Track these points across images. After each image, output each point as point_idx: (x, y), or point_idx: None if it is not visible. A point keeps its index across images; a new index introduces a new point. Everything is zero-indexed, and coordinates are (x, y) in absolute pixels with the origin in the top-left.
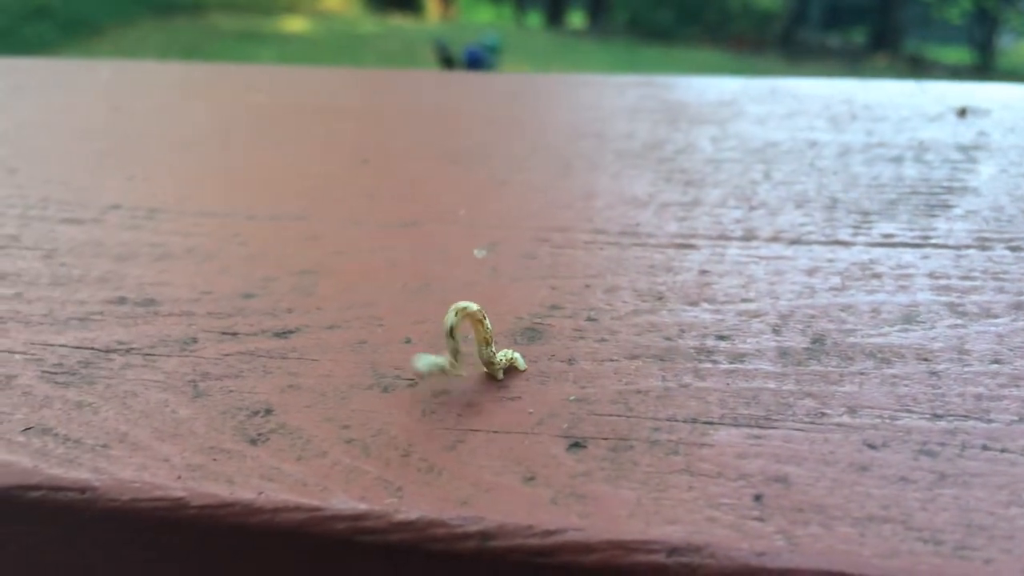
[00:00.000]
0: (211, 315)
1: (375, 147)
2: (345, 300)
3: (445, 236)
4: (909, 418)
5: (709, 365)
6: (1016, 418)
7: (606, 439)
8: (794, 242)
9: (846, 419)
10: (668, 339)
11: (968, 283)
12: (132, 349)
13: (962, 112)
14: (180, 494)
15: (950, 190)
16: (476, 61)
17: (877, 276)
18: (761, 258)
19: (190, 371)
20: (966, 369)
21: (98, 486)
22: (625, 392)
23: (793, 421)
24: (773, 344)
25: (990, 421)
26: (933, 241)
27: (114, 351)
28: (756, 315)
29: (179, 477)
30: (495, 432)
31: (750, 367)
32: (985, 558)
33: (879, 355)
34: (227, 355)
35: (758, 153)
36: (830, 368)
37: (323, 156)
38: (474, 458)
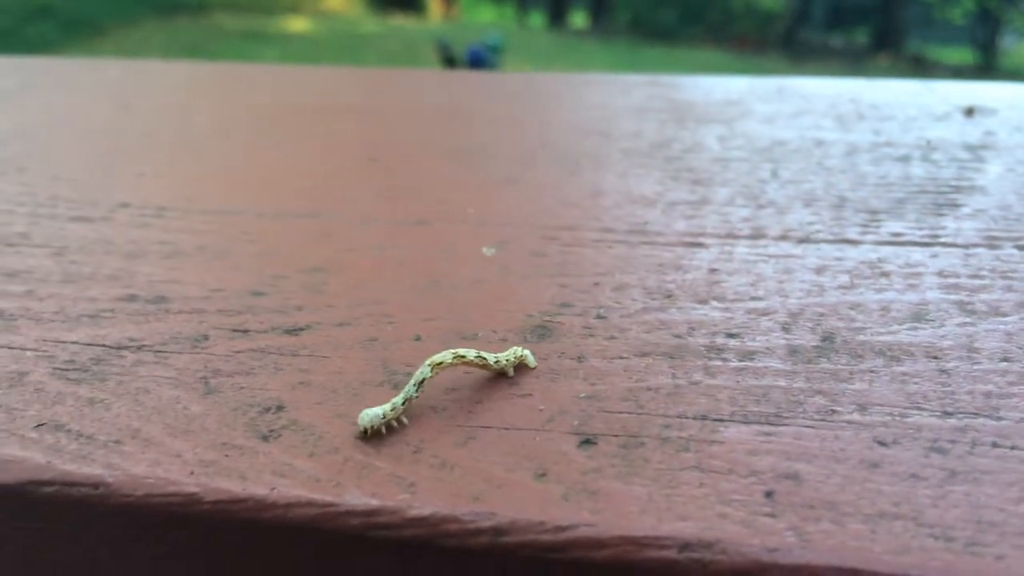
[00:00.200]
0: (222, 312)
1: (382, 146)
2: (355, 297)
3: (454, 234)
4: (919, 415)
5: (719, 363)
6: None
7: (617, 436)
8: (803, 241)
9: (856, 416)
10: (678, 337)
11: (977, 282)
12: (143, 346)
13: (969, 111)
14: (193, 489)
15: (958, 189)
16: (478, 61)
17: (886, 274)
18: (770, 256)
19: (201, 368)
20: (975, 367)
21: (111, 482)
22: (635, 389)
23: (803, 418)
24: (783, 342)
25: (1000, 419)
26: (942, 240)
27: (125, 348)
28: (765, 313)
29: (192, 473)
30: (506, 429)
31: (760, 365)
32: (996, 554)
33: (889, 353)
34: (238, 352)
35: (766, 152)
36: (840, 366)
37: (330, 155)
38: (486, 454)
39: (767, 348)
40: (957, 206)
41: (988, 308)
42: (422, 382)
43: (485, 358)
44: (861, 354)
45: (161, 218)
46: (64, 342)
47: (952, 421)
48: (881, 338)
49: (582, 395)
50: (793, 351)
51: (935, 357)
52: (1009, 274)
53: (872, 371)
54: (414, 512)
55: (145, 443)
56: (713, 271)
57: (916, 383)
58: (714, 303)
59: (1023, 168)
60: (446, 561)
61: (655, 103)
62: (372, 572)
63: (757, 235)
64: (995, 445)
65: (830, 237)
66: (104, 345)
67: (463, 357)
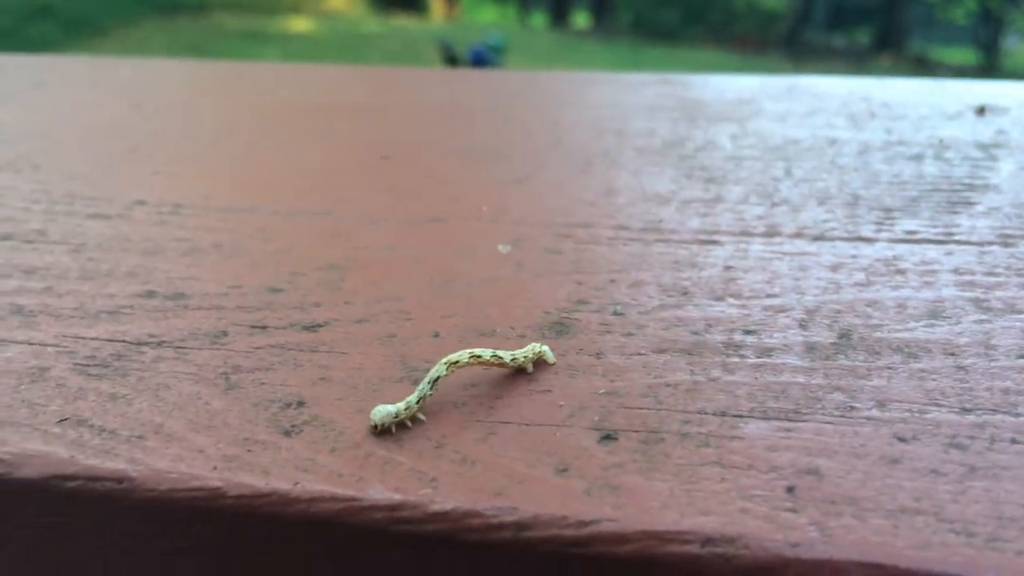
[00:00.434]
0: (240, 309)
1: (395, 144)
2: (372, 295)
3: (468, 232)
4: (938, 412)
5: (737, 359)
6: None
7: (637, 432)
8: (817, 238)
9: (875, 413)
10: (695, 333)
11: (992, 279)
12: (163, 342)
13: (981, 110)
14: (216, 484)
15: (971, 187)
16: (481, 61)
17: (901, 272)
18: (785, 254)
19: (221, 364)
20: (993, 364)
21: (135, 476)
22: (654, 385)
23: (823, 414)
24: (800, 339)
25: (1018, 415)
26: (956, 237)
27: (145, 344)
28: (782, 310)
29: (215, 468)
30: (526, 425)
31: (778, 361)
32: (1017, 549)
33: (906, 350)
34: (258, 348)
35: (778, 150)
36: (857, 362)
37: (343, 153)
38: (507, 450)
39: (785, 345)
40: (971, 204)
41: (1004, 305)
42: (436, 380)
43: (501, 357)
44: (879, 351)
45: (177, 215)
46: (84, 338)
47: (971, 417)
48: (898, 335)
49: (601, 391)
50: (811, 348)
51: (952, 354)
52: None
53: (890, 368)
54: (436, 507)
55: (168, 438)
56: (728, 268)
57: (934, 380)
58: (730, 300)
59: None
60: (468, 556)
61: (666, 102)
62: (394, 566)
63: (772, 233)
64: (1014, 441)
65: (845, 235)
66: (124, 341)
67: (479, 357)
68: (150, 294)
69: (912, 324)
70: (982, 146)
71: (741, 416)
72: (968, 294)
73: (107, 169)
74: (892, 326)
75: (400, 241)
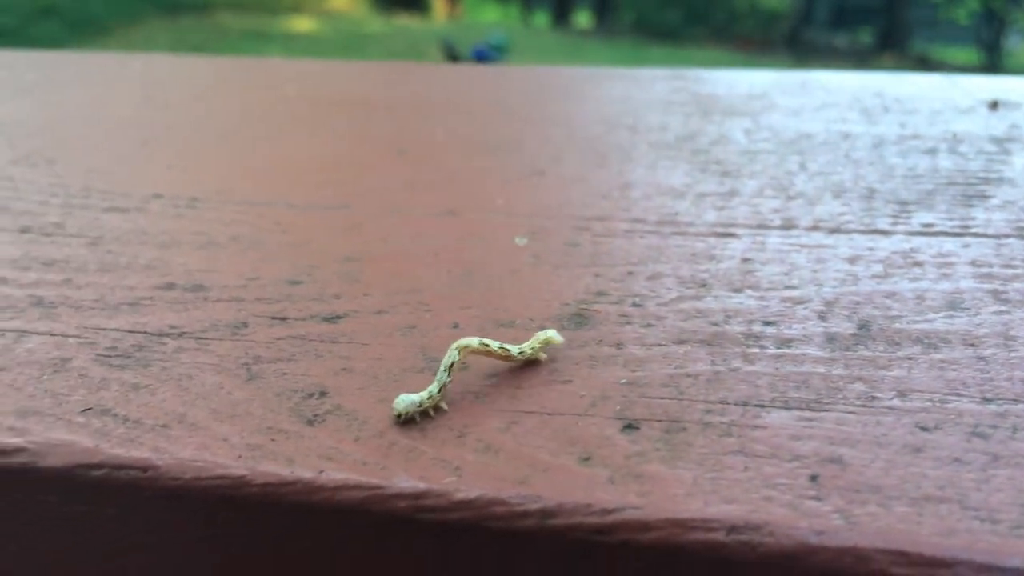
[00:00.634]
0: (259, 300)
1: (409, 138)
2: (391, 287)
3: (485, 225)
4: (959, 402)
5: (757, 350)
6: None
7: (659, 421)
8: (834, 231)
9: (897, 402)
10: (715, 324)
11: (1010, 271)
12: (184, 333)
13: (994, 105)
14: (241, 473)
15: (986, 180)
16: (483, 60)
17: (919, 264)
18: (802, 246)
19: (243, 354)
20: (1013, 354)
21: (160, 464)
22: (675, 376)
23: (844, 404)
24: (820, 330)
25: None
26: (973, 230)
27: (166, 335)
28: (801, 301)
29: (239, 456)
30: (548, 414)
31: (798, 352)
32: None
33: (926, 340)
34: (278, 339)
35: (792, 144)
36: (878, 353)
37: (356, 147)
38: (529, 439)
39: (804, 336)
40: (986, 197)
41: (1022, 297)
42: (451, 366)
43: (508, 350)
44: (898, 342)
45: (193, 209)
46: (105, 329)
47: (992, 407)
48: (917, 326)
49: (622, 381)
50: (830, 338)
51: (972, 344)
52: None
53: (910, 358)
54: (461, 495)
55: (191, 427)
56: (746, 260)
57: (955, 370)
58: (749, 292)
59: None
60: (493, 543)
61: (679, 96)
62: (419, 555)
63: (788, 225)
64: None
65: (861, 228)
66: (145, 332)
67: (487, 346)
68: (169, 286)
69: (931, 315)
70: (996, 140)
71: (763, 406)
72: (986, 286)
73: (122, 163)
74: (911, 317)
75: (417, 234)
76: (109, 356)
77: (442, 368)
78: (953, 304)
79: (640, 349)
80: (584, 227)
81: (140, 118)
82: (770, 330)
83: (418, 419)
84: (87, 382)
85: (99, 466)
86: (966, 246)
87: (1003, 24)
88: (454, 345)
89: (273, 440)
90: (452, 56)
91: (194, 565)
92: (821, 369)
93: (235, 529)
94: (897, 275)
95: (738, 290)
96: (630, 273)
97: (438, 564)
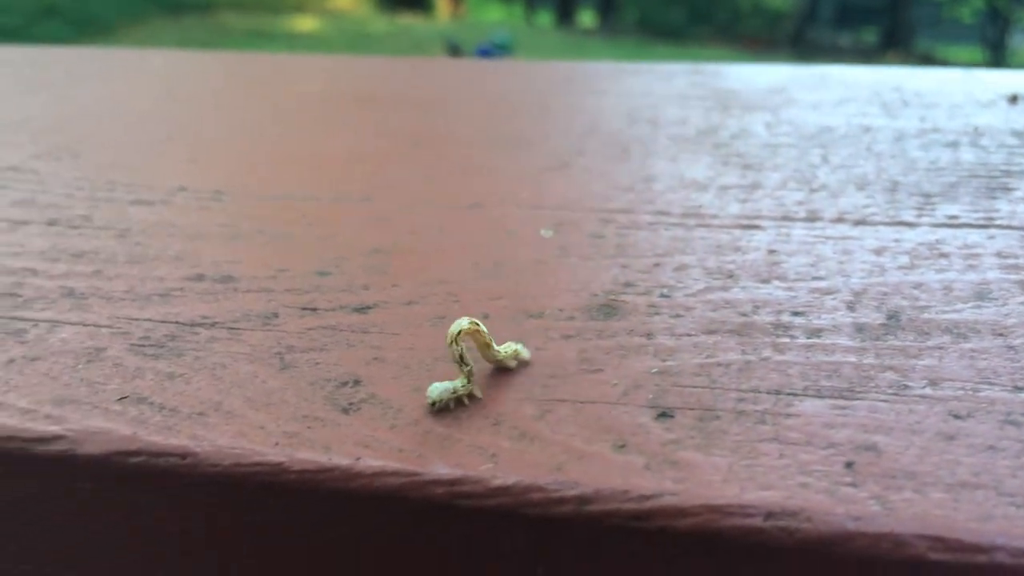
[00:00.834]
0: (289, 291)
1: (427, 133)
2: (419, 278)
3: (509, 217)
4: (991, 390)
5: (787, 340)
6: None
7: (692, 409)
8: (859, 223)
9: (929, 391)
10: (743, 315)
11: None
12: (216, 323)
13: (1013, 99)
14: (279, 459)
15: (1008, 173)
16: (487, 59)
17: (945, 255)
18: (828, 238)
19: (275, 344)
20: None
21: (198, 452)
22: (706, 365)
23: (876, 393)
24: (849, 320)
25: None
26: (997, 222)
27: (198, 325)
28: (829, 292)
29: (276, 444)
30: (581, 403)
31: (828, 342)
32: None
33: (955, 330)
34: (309, 329)
35: (814, 138)
36: (908, 343)
37: (376, 141)
38: (564, 427)
39: (834, 326)
40: (1009, 190)
41: None
42: (461, 358)
43: (491, 341)
44: (928, 331)
45: (219, 202)
46: (137, 319)
47: None
48: (946, 316)
49: (654, 370)
50: (860, 328)
51: (1001, 334)
52: None
53: (940, 348)
54: (498, 481)
55: (228, 415)
56: (772, 252)
57: (985, 359)
58: (776, 283)
59: None
60: (530, 530)
61: (698, 91)
62: (455, 542)
63: (813, 218)
64: None
65: (886, 220)
66: (177, 322)
67: (477, 326)
68: (199, 277)
69: (959, 306)
70: (1017, 134)
71: (795, 394)
72: (1013, 277)
73: (145, 157)
74: (940, 307)
75: (442, 226)
76: (142, 346)
77: (456, 362)
78: (981, 295)
79: (670, 339)
80: (609, 219)
81: (160, 113)
82: (799, 320)
83: (452, 407)
84: (122, 371)
85: (137, 453)
86: (991, 238)
87: (1007, 23)
88: (448, 340)
89: (309, 428)
90: (456, 55)
91: (230, 551)
92: (852, 358)
93: (272, 516)
94: (924, 266)
95: (765, 281)
96: (656, 265)
97: (473, 551)
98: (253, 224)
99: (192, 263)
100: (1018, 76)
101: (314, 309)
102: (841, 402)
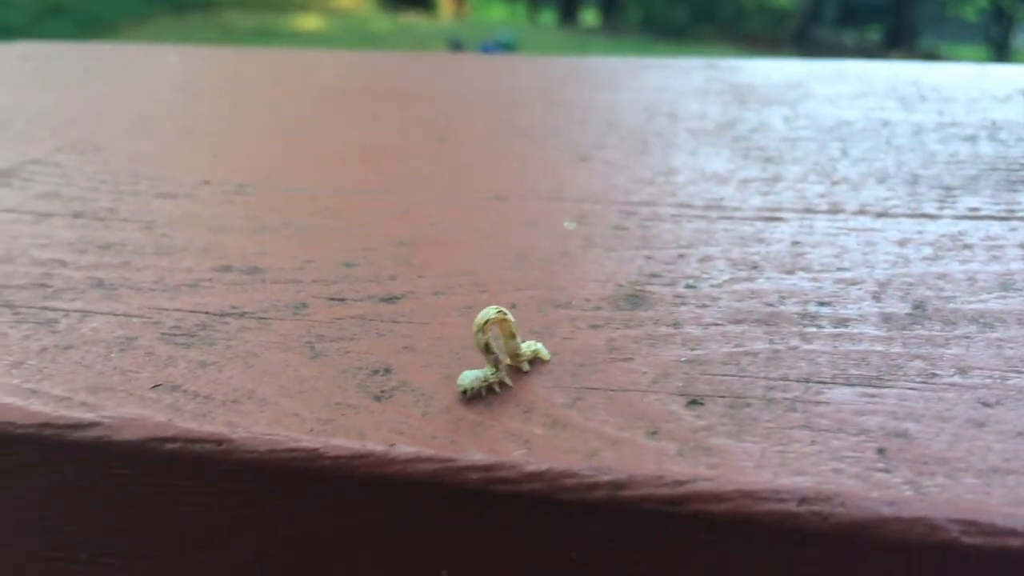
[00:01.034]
0: (317, 282)
1: (448, 126)
2: (445, 269)
3: (533, 209)
4: (1019, 378)
5: (814, 329)
6: None
7: (723, 397)
8: (881, 215)
9: (957, 379)
10: (770, 305)
11: None
12: (245, 313)
13: None
14: (314, 446)
15: None
16: None
17: (968, 247)
18: (851, 230)
19: (305, 333)
20: None
21: (234, 438)
22: (735, 354)
23: (905, 381)
24: (875, 310)
25: None
26: (1019, 214)
27: (228, 315)
28: (854, 283)
29: (311, 430)
30: (612, 391)
31: (855, 331)
32: None
33: (981, 320)
34: (338, 319)
35: (833, 132)
36: (935, 332)
37: (398, 134)
38: (595, 414)
39: (860, 315)
40: None
41: None
42: (487, 346)
43: (516, 333)
44: (954, 321)
45: (242, 195)
46: (167, 309)
47: None
48: (972, 306)
49: (682, 359)
50: (886, 318)
51: None
52: None
53: (967, 337)
54: (532, 467)
55: (262, 403)
56: (796, 244)
57: (1012, 348)
58: (801, 273)
59: None
60: (564, 515)
61: (715, 85)
62: (489, 527)
63: (835, 210)
64: None
65: (908, 212)
66: (207, 312)
67: (504, 314)
68: (226, 268)
69: (984, 296)
70: None
71: (824, 383)
72: None
73: (167, 151)
74: (965, 298)
75: (466, 218)
76: (174, 335)
77: (482, 351)
78: (1005, 285)
79: (697, 329)
80: (631, 212)
81: (181, 107)
82: (825, 310)
83: (483, 394)
84: (154, 360)
85: (173, 439)
86: (1013, 229)
87: (1011, 22)
88: (475, 323)
89: (343, 415)
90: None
91: (265, 537)
92: (879, 347)
93: (307, 502)
94: (947, 257)
95: (790, 272)
96: (681, 256)
97: (506, 536)
98: (277, 216)
99: (219, 254)
100: None
101: (342, 299)
102: (870, 390)
